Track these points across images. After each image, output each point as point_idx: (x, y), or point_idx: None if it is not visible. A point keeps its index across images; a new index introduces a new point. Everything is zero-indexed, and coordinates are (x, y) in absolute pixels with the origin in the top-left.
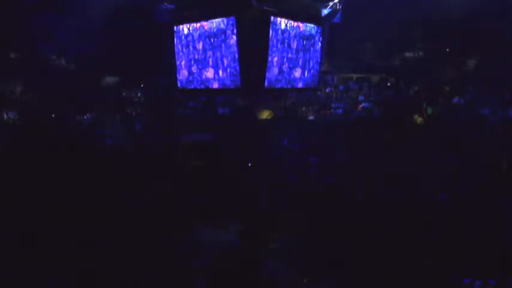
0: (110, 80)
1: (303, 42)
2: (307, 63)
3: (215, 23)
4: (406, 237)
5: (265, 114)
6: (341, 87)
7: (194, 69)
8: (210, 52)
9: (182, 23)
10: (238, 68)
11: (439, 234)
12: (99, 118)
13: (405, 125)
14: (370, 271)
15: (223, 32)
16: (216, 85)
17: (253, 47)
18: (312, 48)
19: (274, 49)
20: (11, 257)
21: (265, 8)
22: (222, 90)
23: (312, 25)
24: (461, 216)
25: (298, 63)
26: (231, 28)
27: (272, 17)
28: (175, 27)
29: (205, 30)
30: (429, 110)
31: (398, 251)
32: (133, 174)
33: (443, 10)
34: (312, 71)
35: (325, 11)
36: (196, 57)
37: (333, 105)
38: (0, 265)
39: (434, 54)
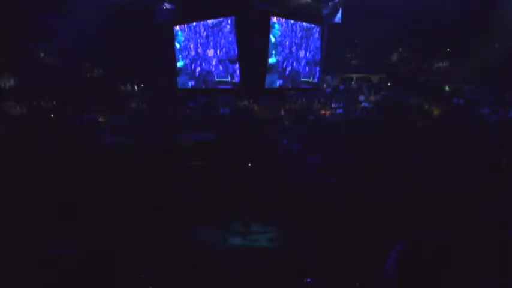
0: (109, 79)
1: (305, 32)
2: (308, 47)
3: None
4: (406, 237)
5: (266, 114)
6: (341, 87)
7: (200, 50)
8: (211, 37)
9: (182, 23)
10: (231, 48)
11: (439, 234)
12: (98, 118)
13: (405, 125)
14: (370, 271)
15: (220, 22)
16: (215, 61)
17: (253, 47)
18: (311, 37)
19: (286, 36)
20: (11, 256)
21: (265, 8)
22: (222, 90)
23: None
24: (461, 216)
25: (303, 46)
26: (226, 19)
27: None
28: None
29: (207, 22)
30: (429, 110)
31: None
32: (133, 174)
33: (444, 10)
34: (311, 52)
35: (325, 11)
36: (201, 41)
37: (333, 105)
38: (1, 265)
39: (435, 54)
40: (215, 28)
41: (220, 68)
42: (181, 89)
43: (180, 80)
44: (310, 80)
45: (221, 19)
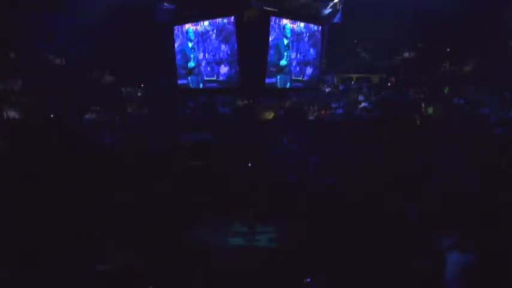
0: (109, 80)
1: (296, 36)
2: (299, 50)
3: (204, 26)
4: (406, 237)
5: (266, 114)
6: (341, 87)
7: (194, 53)
8: (201, 43)
9: (182, 23)
10: (217, 53)
11: (439, 234)
12: (98, 118)
13: (405, 125)
14: (370, 272)
15: (208, 31)
16: (204, 63)
17: (253, 46)
18: (302, 41)
19: (279, 40)
20: (12, 256)
21: (265, 8)
22: (222, 90)
23: (302, 24)
24: (461, 216)
25: (293, 49)
26: (212, 28)
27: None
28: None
29: (198, 30)
30: (429, 110)
31: (398, 252)
32: (133, 174)
33: (443, 10)
34: (302, 54)
35: (325, 11)
36: (194, 46)
37: (333, 105)
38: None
39: (434, 54)
40: (204, 36)
41: (208, 69)
42: (181, 87)
43: (192, 80)
44: (300, 78)
45: (208, 28)
